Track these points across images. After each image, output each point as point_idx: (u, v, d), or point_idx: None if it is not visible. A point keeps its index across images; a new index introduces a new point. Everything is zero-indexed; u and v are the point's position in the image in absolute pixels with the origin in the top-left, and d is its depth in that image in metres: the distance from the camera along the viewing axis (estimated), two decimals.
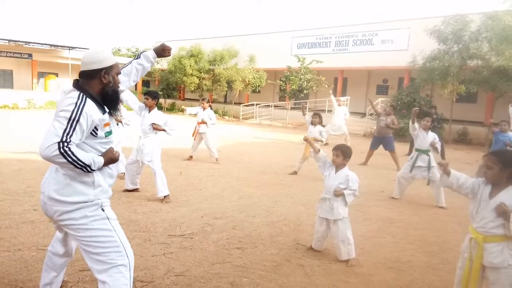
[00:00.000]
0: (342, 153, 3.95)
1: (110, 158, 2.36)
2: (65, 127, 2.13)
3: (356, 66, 21.50)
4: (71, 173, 2.28)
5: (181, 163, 8.81)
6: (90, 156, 2.23)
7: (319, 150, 4.17)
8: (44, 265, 2.78)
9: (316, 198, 4.45)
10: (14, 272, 3.28)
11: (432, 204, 6.45)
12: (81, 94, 2.26)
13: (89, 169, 2.22)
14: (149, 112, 5.81)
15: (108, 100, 2.38)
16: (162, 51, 2.97)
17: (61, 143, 2.09)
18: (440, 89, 16.08)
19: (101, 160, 2.29)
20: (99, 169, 2.32)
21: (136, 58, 2.92)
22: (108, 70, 2.37)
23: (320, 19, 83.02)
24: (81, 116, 2.18)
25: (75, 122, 2.15)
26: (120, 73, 2.52)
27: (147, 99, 5.79)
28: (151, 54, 2.94)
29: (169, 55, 3.01)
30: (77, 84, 2.34)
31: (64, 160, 2.11)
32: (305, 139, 4.61)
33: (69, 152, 2.11)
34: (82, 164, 2.17)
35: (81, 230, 2.31)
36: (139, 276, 3.35)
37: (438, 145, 6.51)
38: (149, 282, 3.28)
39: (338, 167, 4.00)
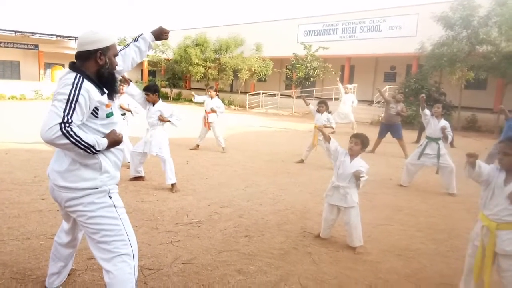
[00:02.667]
0: (362, 142, 3.93)
1: (114, 140, 2.31)
2: (64, 107, 2.07)
3: (363, 53, 21.23)
4: (78, 159, 2.26)
5: (188, 152, 8.81)
6: (93, 137, 2.18)
7: (330, 138, 4.10)
8: (51, 255, 2.79)
9: (323, 187, 4.42)
10: (22, 261, 3.31)
11: (440, 191, 6.39)
12: (78, 75, 2.21)
13: (93, 150, 2.16)
14: (153, 105, 5.79)
15: (104, 81, 2.32)
16: (160, 34, 2.88)
17: (62, 124, 2.03)
18: (449, 75, 15.85)
19: (104, 141, 2.24)
20: (104, 152, 2.29)
21: (134, 41, 2.83)
22: (104, 51, 2.30)
23: (327, 6, 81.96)
24: (80, 96, 2.12)
25: (74, 102, 2.10)
26: (117, 55, 2.46)
27: (147, 95, 5.73)
28: (149, 36, 2.84)
29: (167, 38, 2.90)
30: (73, 66, 2.29)
31: (67, 141, 2.04)
32: (317, 128, 4.42)
33: (71, 133, 2.05)
34: (86, 145, 2.11)
35: (88, 217, 2.30)
36: (146, 264, 3.37)
37: (450, 134, 6.22)
38: (157, 270, 3.29)
39: (354, 155, 3.95)
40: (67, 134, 2.04)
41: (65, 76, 2.23)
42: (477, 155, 2.84)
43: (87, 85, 2.19)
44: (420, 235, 4.44)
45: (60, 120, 2.03)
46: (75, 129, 2.08)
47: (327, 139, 4.11)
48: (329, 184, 4.11)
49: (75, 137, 2.06)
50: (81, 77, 2.20)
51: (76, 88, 2.13)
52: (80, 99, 2.12)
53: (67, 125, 2.05)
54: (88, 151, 2.15)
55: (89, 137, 2.14)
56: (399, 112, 9.72)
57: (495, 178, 2.79)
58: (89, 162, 2.27)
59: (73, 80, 2.16)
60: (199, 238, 4.02)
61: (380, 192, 6.22)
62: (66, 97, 2.09)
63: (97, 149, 2.18)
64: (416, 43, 16.56)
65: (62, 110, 2.06)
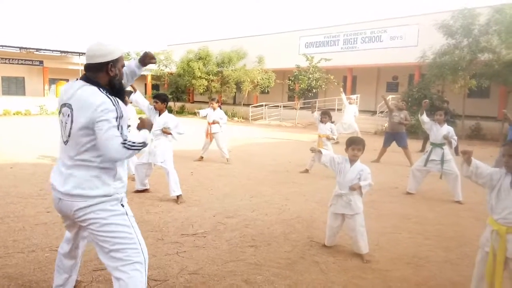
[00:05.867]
0: (363, 147, 3.93)
1: (149, 125, 2.48)
2: (117, 125, 2.23)
3: (365, 63, 21.33)
4: (92, 166, 2.29)
5: (192, 164, 8.80)
6: (139, 135, 2.34)
7: (320, 151, 4.05)
8: (55, 267, 2.77)
9: (329, 196, 4.38)
10: (28, 273, 3.28)
11: (448, 199, 6.33)
12: (101, 89, 2.30)
13: (145, 144, 2.34)
14: (159, 115, 5.82)
15: (116, 91, 2.41)
16: (145, 59, 2.90)
17: (124, 142, 2.21)
18: (451, 84, 15.84)
19: (145, 133, 2.40)
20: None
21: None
22: (114, 62, 2.38)
23: (327, 17, 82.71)
24: (120, 110, 2.28)
25: (119, 118, 2.26)
26: (124, 66, 2.55)
27: (156, 102, 5.80)
28: (134, 63, 2.91)
29: (154, 63, 2.96)
30: (88, 78, 2.35)
31: (132, 152, 2.26)
32: (312, 150, 4.27)
33: (131, 144, 2.23)
34: (142, 144, 2.31)
35: (100, 224, 2.29)
36: (152, 275, 3.33)
37: (454, 139, 6.28)
38: (163, 281, 3.26)
39: (354, 161, 3.94)
40: (131, 148, 2.24)
41: (89, 90, 2.27)
42: (471, 151, 2.89)
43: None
44: (429, 243, 4.38)
45: (121, 140, 2.21)
46: (130, 138, 2.26)
47: (319, 153, 4.04)
48: (333, 193, 4.08)
49: (136, 146, 2.26)
50: (105, 91, 2.30)
51: (116, 104, 2.27)
52: (120, 112, 2.28)
53: (126, 140, 2.23)
54: (144, 147, 2.35)
55: (138, 137, 2.31)
56: (402, 121, 9.70)
57: (500, 180, 2.77)
58: (106, 171, 2.32)
59: (106, 97, 2.26)
60: (205, 248, 3.99)
61: (386, 201, 6.16)
62: (115, 115, 2.23)
63: (147, 142, 2.37)
64: (418, 52, 16.62)
65: (116, 130, 2.23)
